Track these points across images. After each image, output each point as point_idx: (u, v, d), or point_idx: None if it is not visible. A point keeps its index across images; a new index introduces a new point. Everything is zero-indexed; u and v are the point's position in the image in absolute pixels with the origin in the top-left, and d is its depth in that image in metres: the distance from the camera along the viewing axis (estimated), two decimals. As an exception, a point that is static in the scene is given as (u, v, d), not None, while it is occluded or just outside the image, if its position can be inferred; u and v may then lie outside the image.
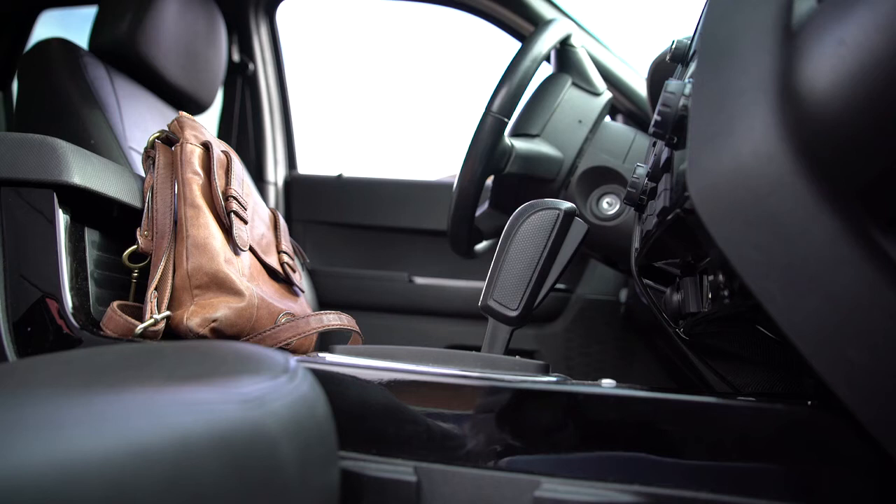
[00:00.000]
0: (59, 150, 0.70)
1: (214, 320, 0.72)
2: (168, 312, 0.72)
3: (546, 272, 0.63)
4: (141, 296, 0.76)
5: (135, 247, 0.75)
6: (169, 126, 0.83)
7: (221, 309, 0.73)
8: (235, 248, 0.79)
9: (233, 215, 0.79)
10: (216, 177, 0.79)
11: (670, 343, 1.06)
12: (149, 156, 0.81)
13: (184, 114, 0.84)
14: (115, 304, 0.71)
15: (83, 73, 1.06)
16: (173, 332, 0.73)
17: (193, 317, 0.71)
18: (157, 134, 0.82)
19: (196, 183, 0.78)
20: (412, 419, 0.51)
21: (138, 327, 0.69)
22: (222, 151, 0.84)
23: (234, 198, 0.80)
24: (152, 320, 0.70)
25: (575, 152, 1.01)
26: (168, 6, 1.14)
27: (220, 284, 0.74)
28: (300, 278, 0.95)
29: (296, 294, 0.92)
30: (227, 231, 0.79)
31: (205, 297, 0.73)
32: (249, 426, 0.37)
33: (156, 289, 0.72)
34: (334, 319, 0.84)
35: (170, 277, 0.73)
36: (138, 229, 0.76)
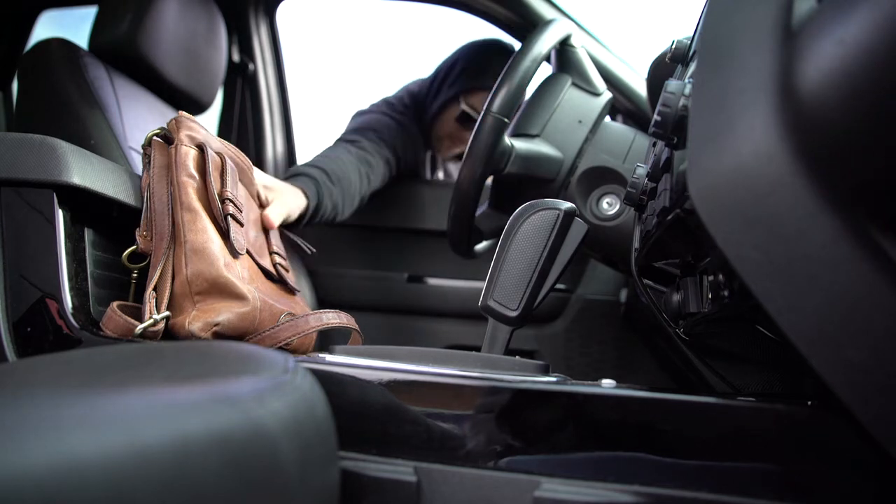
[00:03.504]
0: (58, 150, 0.70)
1: (217, 324, 0.71)
2: (167, 313, 0.72)
3: (546, 272, 0.63)
4: (141, 296, 0.76)
5: (134, 247, 0.75)
6: (167, 125, 0.82)
7: (224, 313, 0.72)
8: (234, 252, 0.79)
9: (230, 218, 0.79)
10: (212, 179, 0.78)
11: (670, 343, 1.06)
12: (146, 154, 0.80)
13: (183, 113, 0.84)
14: (114, 304, 0.71)
15: (83, 73, 1.06)
16: (175, 337, 0.72)
17: (195, 321, 0.71)
18: (155, 131, 0.80)
19: (191, 186, 0.76)
20: (412, 419, 0.51)
21: (138, 327, 0.69)
22: (216, 153, 0.83)
23: (231, 200, 0.80)
24: (151, 320, 0.70)
25: (575, 152, 1.01)
26: (168, 6, 1.14)
27: (222, 289, 0.73)
28: (293, 278, 0.95)
29: (292, 293, 0.92)
30: (225, 235, 0.78)
31: (206, 302, 0.73)
32: (249, 426, 0.36)
33: (154, 289, 0.72)
34: (334, 318, 0.83)
35: (168, 277, 0.73)
36: (137, 229, 0.76)
